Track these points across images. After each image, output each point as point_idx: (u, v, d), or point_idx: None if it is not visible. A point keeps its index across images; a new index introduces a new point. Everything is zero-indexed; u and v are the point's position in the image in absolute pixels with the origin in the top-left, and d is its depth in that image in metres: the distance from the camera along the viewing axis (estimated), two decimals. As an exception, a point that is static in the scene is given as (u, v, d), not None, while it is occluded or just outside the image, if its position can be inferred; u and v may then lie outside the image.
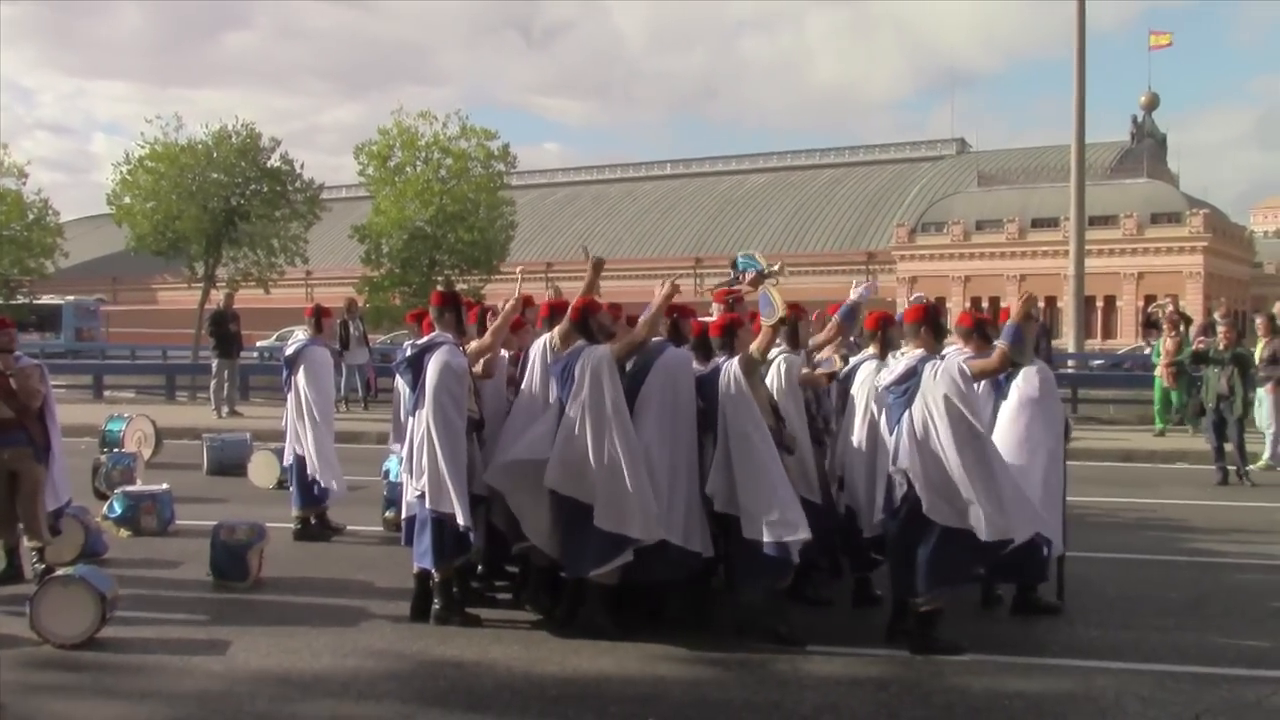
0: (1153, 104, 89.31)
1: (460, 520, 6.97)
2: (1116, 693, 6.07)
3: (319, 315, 10.57)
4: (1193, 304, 54.25)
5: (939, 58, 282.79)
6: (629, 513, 6.70)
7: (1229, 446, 13.58)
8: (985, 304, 67.70)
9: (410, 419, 7.34)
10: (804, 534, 6.62)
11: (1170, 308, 18.34)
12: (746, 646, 6.75)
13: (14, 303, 42.57)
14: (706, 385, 7.01)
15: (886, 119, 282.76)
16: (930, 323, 6.95)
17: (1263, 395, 14.74)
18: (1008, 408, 7.50)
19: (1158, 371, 17.46)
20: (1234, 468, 13.53)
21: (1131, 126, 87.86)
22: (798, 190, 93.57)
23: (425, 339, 7.41)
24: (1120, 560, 9.30)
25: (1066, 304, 24.95)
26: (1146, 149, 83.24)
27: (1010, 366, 6.87)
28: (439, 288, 8.69)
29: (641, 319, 7.12)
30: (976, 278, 74.42)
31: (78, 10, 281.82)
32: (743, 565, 6.86)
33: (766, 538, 6.60)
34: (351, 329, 20.10)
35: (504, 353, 7.90)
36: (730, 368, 6.94)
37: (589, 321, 7.13)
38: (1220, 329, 14.48)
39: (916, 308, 7.22)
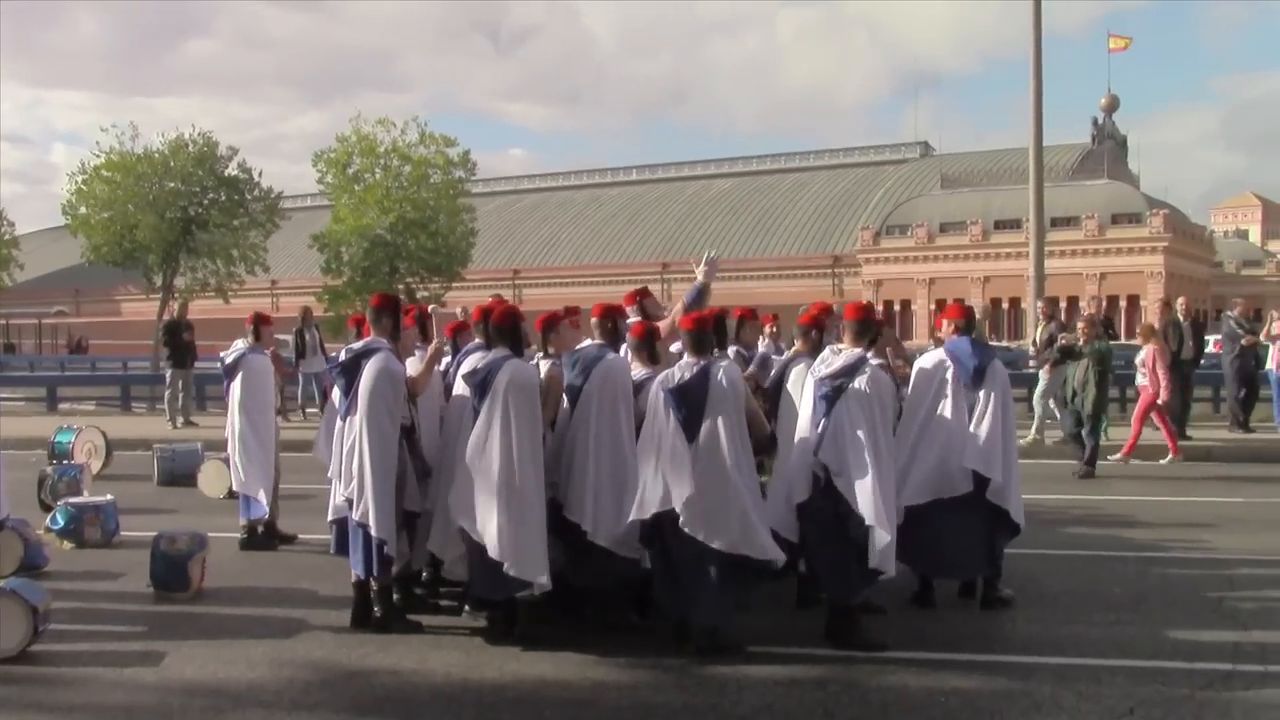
0: (1113, 106, 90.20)
1: (374, 533, 6.92)
2: (1053, 688, 6.08)
3: (259, 323, 10.44)
4: (1154, 304, 54.64)
5: (912, 59, 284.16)
6: (527, 552, 6.61)
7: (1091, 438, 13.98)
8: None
9: (342, 424, 7.27)
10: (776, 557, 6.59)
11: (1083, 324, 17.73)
12: (687, 650, 6.71)
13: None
14: (693, 391, 6.65)
15: (858, 121, 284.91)
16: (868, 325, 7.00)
17: (1041, 375, 16.00)
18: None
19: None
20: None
21: (1092, 128, 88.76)
22: (764, 195, 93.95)
23: (360, 344, 7.34)
24: (1066, 556, 9.34)
25: (1028, 305, 25.19)
26: (1107, 150, 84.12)
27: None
28: (380, 292, 8.56)
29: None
30: (941, 280, 74.96)
31: (34, 19, 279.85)
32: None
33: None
34: (307, 337, 20.02)
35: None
36: (728, 373, 6.71)
37: (548, 334, 7.12)
38: (1080, 324, 14.84)
39: (857, 306, 7.23)
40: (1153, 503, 12.05)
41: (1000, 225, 74.69)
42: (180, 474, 13.60)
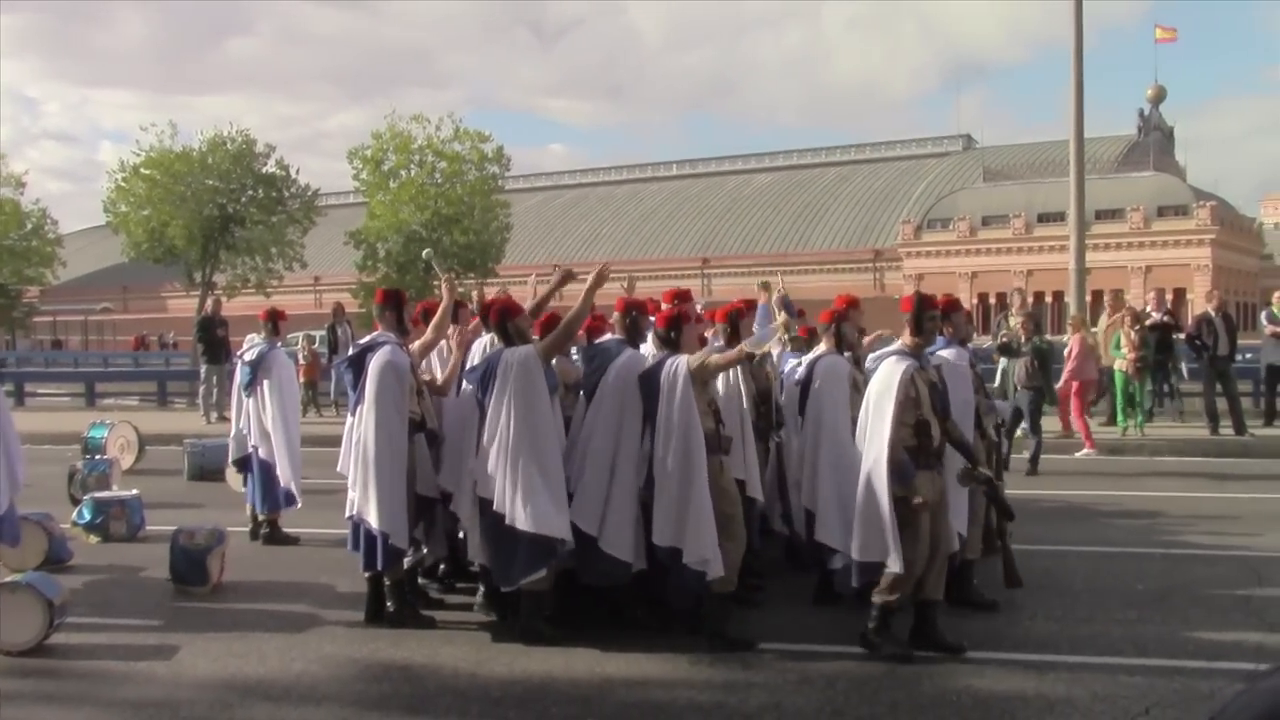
0: (1160, 96, 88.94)
1: (376, 525, 6.92)
2: (1068, 687, 5.97)
3: (275, 319, 10.53)
4: (1200, 296, 53.82)
5: (960, 50, 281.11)
6: (545, 512, 6.58)
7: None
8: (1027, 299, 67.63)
9: (350, 418, 7.29)
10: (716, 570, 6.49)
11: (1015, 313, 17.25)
12: (699, 647, 6.67)
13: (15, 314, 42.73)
14: (648, 380, 6.79)
15: (904, 115, 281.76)
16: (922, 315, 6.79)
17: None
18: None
19: (1118, 365, 16.56)
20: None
21: (1139, 120, 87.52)
22: (804, 189, 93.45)
23: (367, 338, 7.36)
24: (1090, 553, 9.18)
25: (1071, 299, 24.85)
26: (1153, 142, 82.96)
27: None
28: (384, 288, 8.53)
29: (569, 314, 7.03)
30: (983, 273, 74.31)
31: (81, 19, 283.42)
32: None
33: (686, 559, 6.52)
34: (340, 333, 20.12)
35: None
36: (676, 367, 6.74)
37: (507, 325, 7.05)
38: (1018, 322, 14.65)
39: (909, 298, 6.97)
40: (1184, 499, 11.84)
41: (1044, 218, 73.85)
42: (210, 469, 13.67)
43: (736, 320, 7.80)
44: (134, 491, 10.59)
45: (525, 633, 6.86)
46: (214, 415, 19.44)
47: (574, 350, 7.86)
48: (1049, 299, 72.63)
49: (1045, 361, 13.84)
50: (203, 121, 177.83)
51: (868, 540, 6.49)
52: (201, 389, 19.93)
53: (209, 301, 23.07)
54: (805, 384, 7.62)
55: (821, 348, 7.78)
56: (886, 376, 6.56)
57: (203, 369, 19.85)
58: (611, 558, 6.71)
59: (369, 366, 7.11)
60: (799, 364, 8.14)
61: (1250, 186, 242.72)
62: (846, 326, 7.63)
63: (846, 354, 7.71)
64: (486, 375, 6.88)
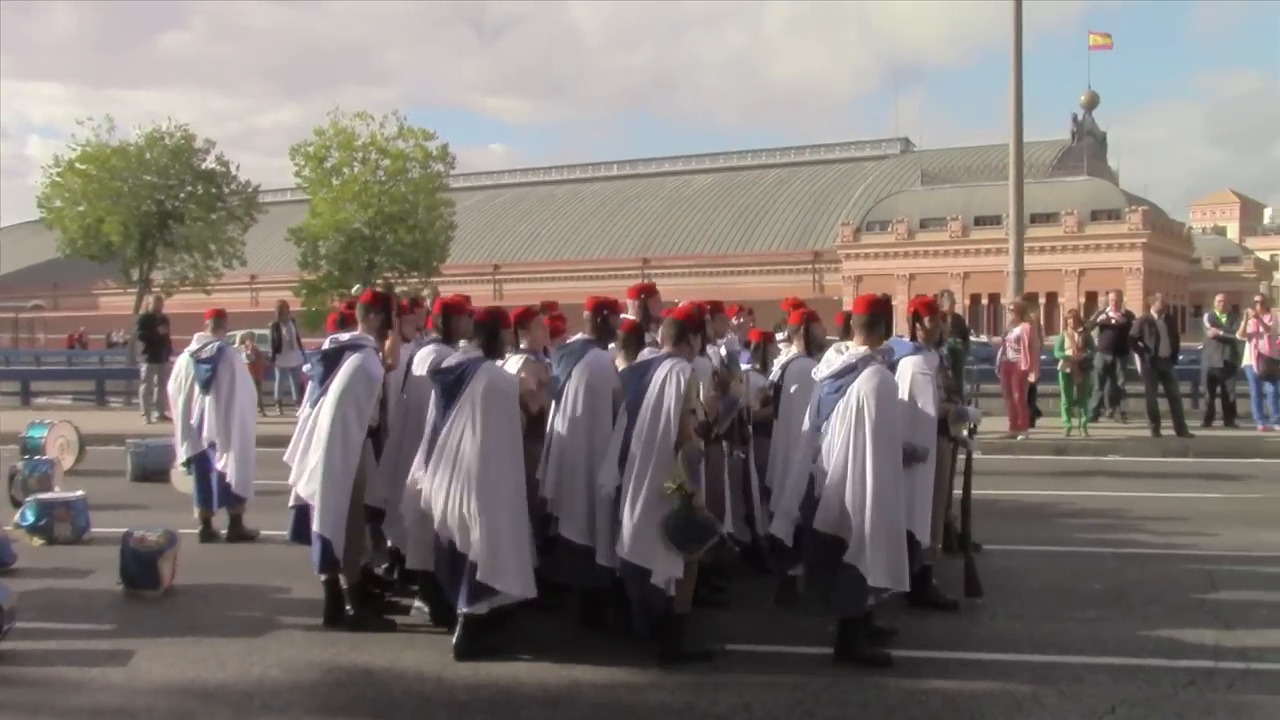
0: (1093, 102, 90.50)
1: (316, 528, 6.82)
2: (1034, 686, 6.01)
3: (220, 318, 10.59)
4: (1133, 300, 54.78)
5: (900, 53, 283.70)
6: (505, 569, 6.35)
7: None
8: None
9: (309, 410, 7.16)
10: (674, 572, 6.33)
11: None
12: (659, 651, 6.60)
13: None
14: (630, 376, 6.54)
15: (845, 117, 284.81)
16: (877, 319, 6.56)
17: None
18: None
19: (1061, 366, 16.78)
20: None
21: (1072, 125, 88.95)
22: (745, 190, 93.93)
23: (348, 336, 7.18)
24: (1046, 553, 9.29)
25: (1007, 301, 25.29)
26: (1087, 147, 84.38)
27: None
28: (373, 289, 8.39)
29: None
30: (921, 275, 74.98)
31: (9, 11, 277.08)
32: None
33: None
34: (284, 332, 19.85)
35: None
36: (672, 380, 6.35)
37: (500, 333, 6.81)
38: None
39: (865, 300, 6.73)
40: (1132, 498, 12.02)
41: (980, 221, 74.83)
42: (153, 469, 13.44)
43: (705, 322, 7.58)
44: (79, 493, 10.34)
45: (488, 648, 6.58)
46: (155, 415, 19.09)
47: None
48: (985, 301, 73.59)
49: (958, 362, 14.21)
50: (135, 116, 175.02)
51: (894, 567, 6.26)
52: (142, 388, 19.57)
53: (150, 299, 22.61)
54: (777, 387, 7.59)
55: (793, 350, 7.75)
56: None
57: (143, 368, 19.48)
58: (602, 567, 6.64)
59: (343, 365, 6.97)
60: (757, 367, 8.14)
61: (1179, 191, 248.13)
62: (816, 327, 7.61)
63: (817, 354, 7.68)
64: (455, 383, 6.49)
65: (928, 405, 7.04)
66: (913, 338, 7.42)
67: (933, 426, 7.13)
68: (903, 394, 6.86)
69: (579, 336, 7.29)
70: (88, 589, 8.39)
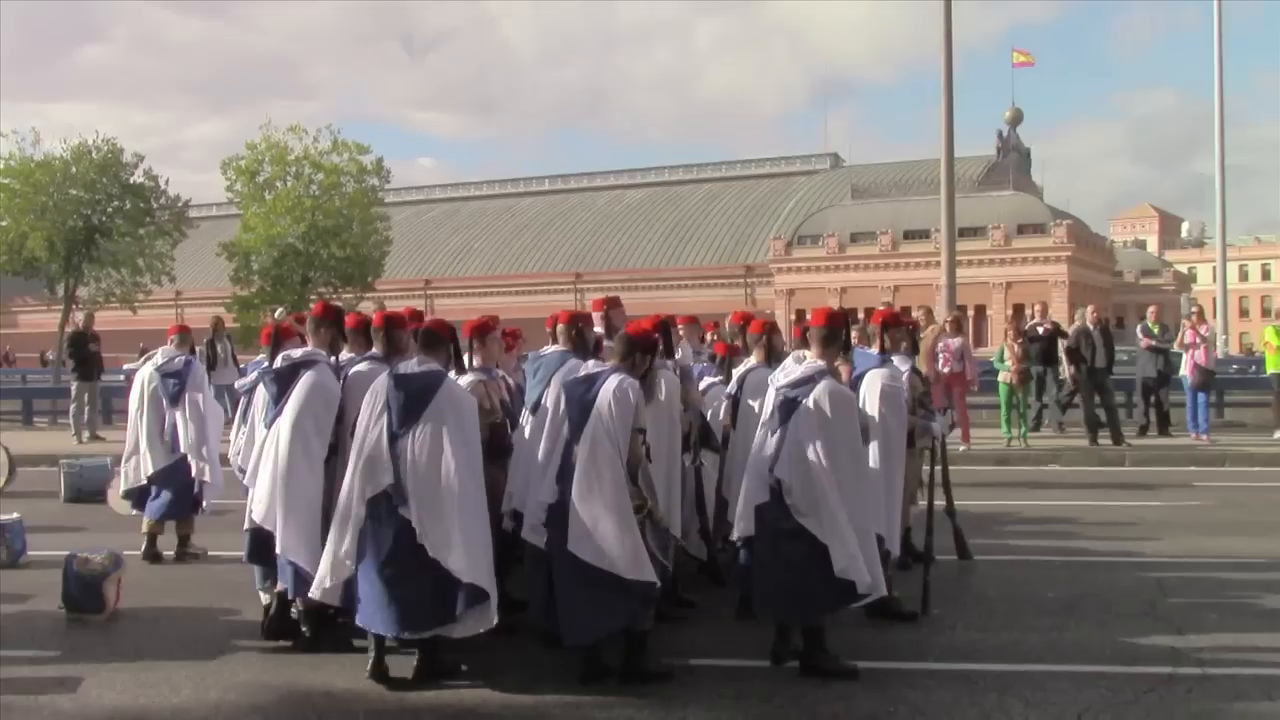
0: (1017, 119, 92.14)
1: (279, 551, 6.69)
2: (999, 696, 6.04)
3: (186, 333, 10.70)
4: (1059, 312, 55.72)
5: (829, 69, 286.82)
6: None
7: None
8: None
9: (265, 430, 7.00)
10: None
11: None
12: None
13: None
14: (575, 388, 6.37)
15: (775, 132, 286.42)
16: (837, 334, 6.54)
17: None
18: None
19: (1002, 377, 17.03)
20: None
21: (997, 140, 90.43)
22: (676, 205, 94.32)
23: (300, 353, 7.02)
24: (998, 562, 9.38)
25: (939, 314, 25.64)
26: (1012, 162, 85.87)
27: None
28: (323, 301, 8.24)
29: None
30: (852, 289, 75.78)
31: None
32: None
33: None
34: (219, 349, 19.45)
35: None
36: (618, 392, 6.19)
37: (472, 341, 6.81)
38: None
39: (824, 313, 6.71)
40: (1076, 507, 12.18)
41: (910, 235, 75.84)
42: (88, 490, 13.12)
43: (668, 332, 7.49)
44: (14, 515, 10.05)
45: (441, 669, 6.43)
46: (86, 434, 18.65)
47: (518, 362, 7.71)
48: (916, 312, 74.34)
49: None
50: (55, 129, 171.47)
51: (874, 572, 6.30)
52: (73, 407, 19.10)
53: (80, 316, 22.10)
54: (735, 398, 7.57)
55: (752, 360, 7.74)
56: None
57: (73, 386, 19.03)
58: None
59: (298, 383, 6.82)
60: (718, 380, 8.12)
61: (1100, 206, 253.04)
62: (777, 338, 7.59)
63: (776, 365, 7.66)
64: (419, 395, 6.21)
65: (898, 413, 7.09)
66: (881, 349, 7.48)
67: (902, 436, 7.19)
68: (872, 406, 6.89)
69: (554, 348, 7.21)
70: (28, 614, 8.13)
